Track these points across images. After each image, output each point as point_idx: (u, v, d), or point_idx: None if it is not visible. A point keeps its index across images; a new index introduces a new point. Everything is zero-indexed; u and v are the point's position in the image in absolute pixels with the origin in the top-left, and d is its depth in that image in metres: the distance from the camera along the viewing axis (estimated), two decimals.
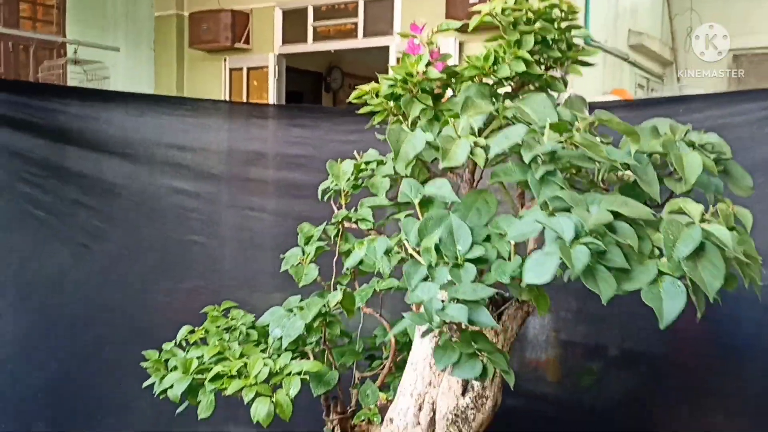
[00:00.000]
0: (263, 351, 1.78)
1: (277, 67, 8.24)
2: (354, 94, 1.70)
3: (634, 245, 1.19)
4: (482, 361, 1.40)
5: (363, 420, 1.78)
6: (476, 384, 1.57)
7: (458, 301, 1.29)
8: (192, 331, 1.95)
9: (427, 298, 1.31)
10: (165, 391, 1.73)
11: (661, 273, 1.19)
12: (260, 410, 1.55)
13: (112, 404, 2.99)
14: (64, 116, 2.99)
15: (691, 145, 1.45)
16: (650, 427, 2.67)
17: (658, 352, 2.63)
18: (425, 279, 1.35)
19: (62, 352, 2.96)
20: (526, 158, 1.27)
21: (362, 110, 1.71)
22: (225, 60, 8.81)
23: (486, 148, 1.35)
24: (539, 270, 1.19)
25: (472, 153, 1.34)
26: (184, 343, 1.92)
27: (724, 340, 2.52)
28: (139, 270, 2.98)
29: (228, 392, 1.60)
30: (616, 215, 1.22)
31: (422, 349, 1.64)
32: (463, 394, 1.57)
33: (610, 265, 1.18)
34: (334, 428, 1.83)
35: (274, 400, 1.55)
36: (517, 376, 1.43)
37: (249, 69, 8.45)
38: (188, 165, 2.92)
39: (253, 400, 1.56)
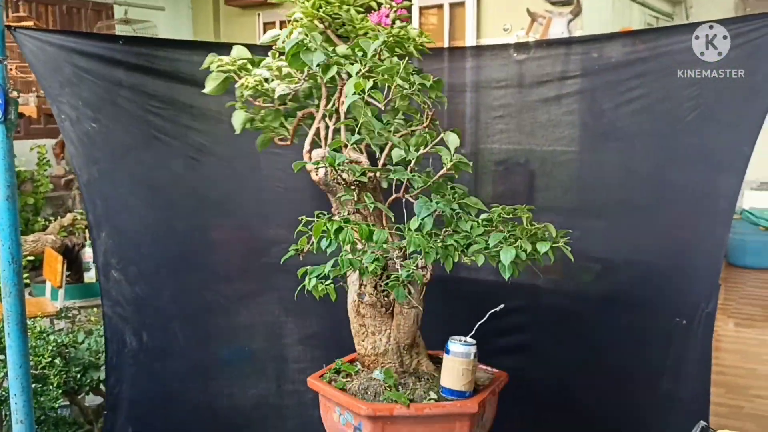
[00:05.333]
0: None
1: None
2: None
3: None
4: None
5: None
6: None
7: None
8: None
9: None
10: None
11: None
12: None
13: (222, 266, 4.20)
14: (176, 62, 3.92)
15: None
16: None
17: None
18: None
19: (180, 231, 4.13)
20: None
21: None
22: (258, 15, 9.48)
23: None
24: None
25: None
26: None
27: None
28: (237, 174, 4.07)
29: None
30: None
31: None
32: None
33: None
34: None
35: None
36: None
37: (281, 22, 8.99)
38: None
39: None
